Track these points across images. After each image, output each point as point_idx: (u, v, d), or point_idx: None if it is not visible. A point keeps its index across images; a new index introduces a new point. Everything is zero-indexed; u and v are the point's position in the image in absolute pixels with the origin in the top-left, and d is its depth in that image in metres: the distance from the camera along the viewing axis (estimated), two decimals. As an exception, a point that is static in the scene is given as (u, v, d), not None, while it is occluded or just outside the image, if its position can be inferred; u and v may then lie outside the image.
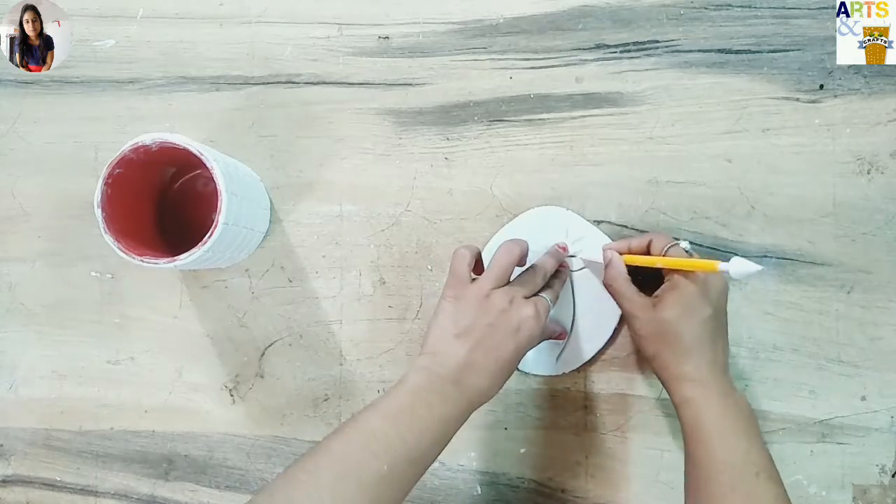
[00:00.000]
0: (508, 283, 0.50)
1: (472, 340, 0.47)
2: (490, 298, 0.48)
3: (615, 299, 0.53)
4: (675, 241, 0.51)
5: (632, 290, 0.51)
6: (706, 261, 0.47)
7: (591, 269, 0.57)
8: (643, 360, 0.57)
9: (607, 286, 0.54)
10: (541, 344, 0.57)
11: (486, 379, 0.47)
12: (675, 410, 0.50)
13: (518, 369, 0.57)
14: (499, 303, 0.47)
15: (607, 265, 0.53)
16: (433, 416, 0.45)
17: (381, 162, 0.60)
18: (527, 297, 0.49)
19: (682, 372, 0.48)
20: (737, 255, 0.46)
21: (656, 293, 0.51)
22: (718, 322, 0.50)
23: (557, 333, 0.56)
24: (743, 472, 0.45)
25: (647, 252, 0.53)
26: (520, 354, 0.48)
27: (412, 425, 0.44)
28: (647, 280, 0.52)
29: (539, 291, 0.51)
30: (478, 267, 0.52)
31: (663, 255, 0.51)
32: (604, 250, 0.54)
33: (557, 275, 0.54)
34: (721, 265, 0.45)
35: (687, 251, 0.51)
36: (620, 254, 0.53)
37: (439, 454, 0.45)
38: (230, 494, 0.60)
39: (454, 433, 0.46)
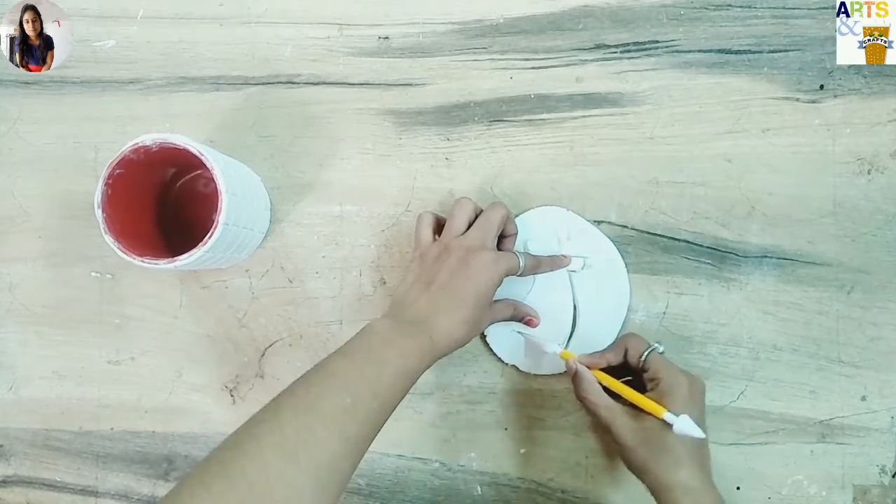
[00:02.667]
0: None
1: (432, 287, 0.49)
2: (448, 248, 0.50)
3: (593, 412, 0.50)
4: (653, 346, 0.51)
5: (609, 399, 0.50)
6: (655, 405, 0.47)
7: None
8: (630, 468, 0.50)
9: (582, 400, 0.51)
10: (544, 345, 0.57)
11: (446, 320, 0.47)
12: None
13: (519, 369, 0.58)
14: (456, 250, 0.50)
15: (574, 377, 0.52)
16: (392, 351, 0.45)
17: (381, 162, 0.60)
18: (489, 245, 0.50)
19: (674, 481, 0.46)
20: (684, 416, 0.47)
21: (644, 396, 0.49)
22: (704, 425, 0.48)
23: (527, 318, 0.55)
24: None
25: (625, 358, 0.52)
26: (480, 299, 0.48)
27: (371, 360, 0.44)
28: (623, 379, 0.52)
29: (522, 262, 0.52)
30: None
31: (642, 363, 0.50)
32: (568, 363, 0.52)
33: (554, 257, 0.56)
34: (667, 416, 0.46)
35: (662, 353, 0.51)
36: (597, 369, 0.52)
37: (406, 391, 0.46)
38: (230, 495, 0.60)
39: (418, 370, 0.46)
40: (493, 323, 0.54)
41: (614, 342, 0.54)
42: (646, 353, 0.51)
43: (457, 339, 0.48)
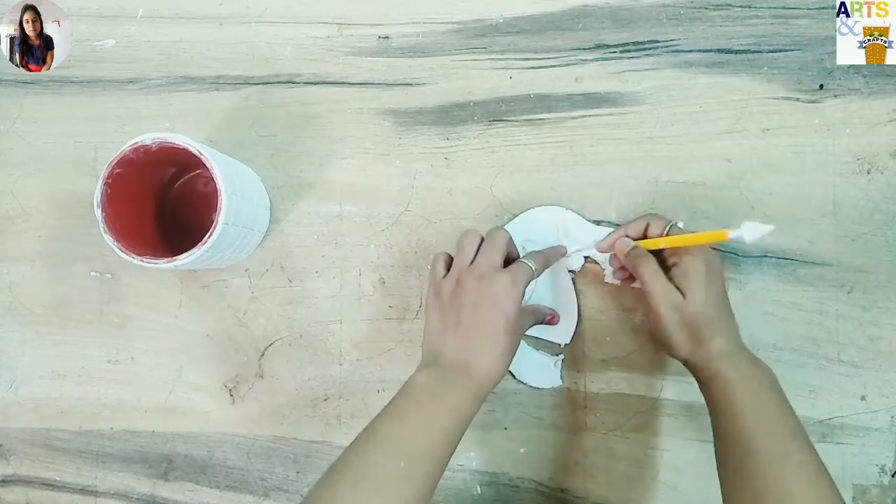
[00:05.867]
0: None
1: (462, 328, 0.48)
2: (461, 282, 0.49)
3: (644, 286, 0.50)
4: (672, 222, 0.51)
5: (665, 284, 0.49)
6: (714, 231, 0.46)
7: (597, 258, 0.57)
8: (663, 347, 0.52)
9: (642, 280, 0.50)
10: (544, 358, 0.57)
11: (487, 359, 0.47)
12: (701, 390, 0.49)
13: (521, 381, 0.58)
14: (470, 282, 0.48)
15: (630, 254, 0.51)
16: (440, 405, 0.45)
17: (380, 162, 0.60)
18: (499, 267, 0.49)
19: (711, 350, 0.47)
20: (746, 222, 0.45)
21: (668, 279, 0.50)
22: (726, 294, 0.50)
23: (549, 317, 0.56)
24: (777, 439, 0.44)
25: (644, 237, 0.52)
26: (511, 325, 0.47)
27: (420, 418, 0.44)
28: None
29: (533, 265, 0.51)
30: None
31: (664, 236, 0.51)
32: (615, 242, 0.53)
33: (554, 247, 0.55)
34: (731, 233, 0.44)
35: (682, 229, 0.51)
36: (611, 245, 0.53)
37: (458, 443, 0.45)
38: (230, 494, 0.60)
39: (469, 419, 0.46)
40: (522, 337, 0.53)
41: (634, 219, 0.53)
42: (667, 229, 0.51)
43: (500, 373, 0.48)
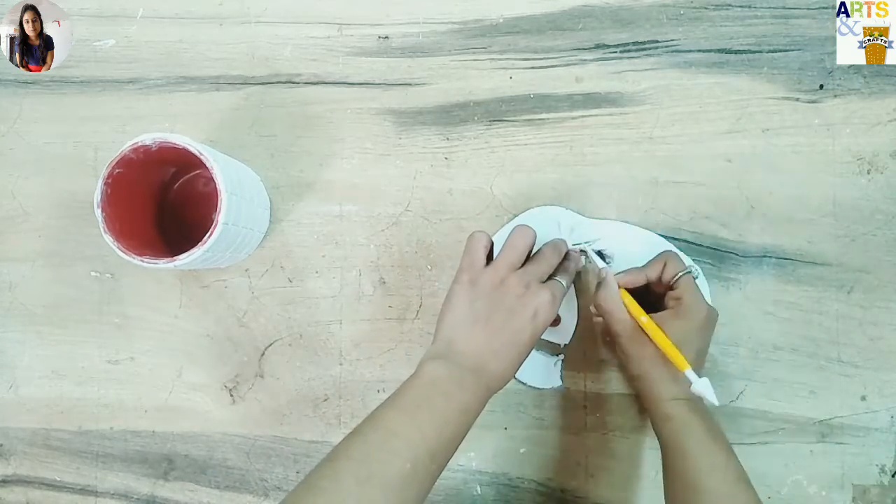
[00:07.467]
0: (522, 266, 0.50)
1: (490, 327, 0.47)
2: (506, 283, 0.48)
3: (605, 318, 0.52)
4: (689, 269, 0.51)
5: (625, 314, 0.50)
6: (679, 356, 0.47)
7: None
8: (626, 377, 0.57)
9: (597, 305, 0.52)
10: (544, 358, 0.57)
11: (503, 364, 0.46)
12: (654, 427, 0.50)
13: (521, 382, 0.58)
14: (515, 287, 0.47)
15: (600, 283, 0.52)
16: (451, 406, 0.44)
17: (381, 162, 0.60)
18: (542, 282, 0.49)
19: (668, 392, 0.48)
20: (706, 378, 0.47)
21: (658, 314, 0.50)
22: (705, 351, 0.51)
23: (553, 319, 0.56)
24: (724, 479, 0.46)
25: (660, 278, 0.52)
26: (535, 339, 0.48)
27: (431, 418, 0.43)
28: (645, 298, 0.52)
29: (552, 275, 0.51)
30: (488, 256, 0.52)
31: (672, 283, 0.50)
32: (600, 272, 0.53)
33: (569, 257, 0.54)
34: (688, 373, 0.46)
35: (696, 277, 0.51)
36: (636, 286, 0.52)
37: (460, 444, 0.45)
38: (230, 494, 0.60)
39: (474, 421, 0.46)
40: None
41: (653, 258, 0.53)
42: (680, 274, 0.50)
43: (509, 378, 0.48)
